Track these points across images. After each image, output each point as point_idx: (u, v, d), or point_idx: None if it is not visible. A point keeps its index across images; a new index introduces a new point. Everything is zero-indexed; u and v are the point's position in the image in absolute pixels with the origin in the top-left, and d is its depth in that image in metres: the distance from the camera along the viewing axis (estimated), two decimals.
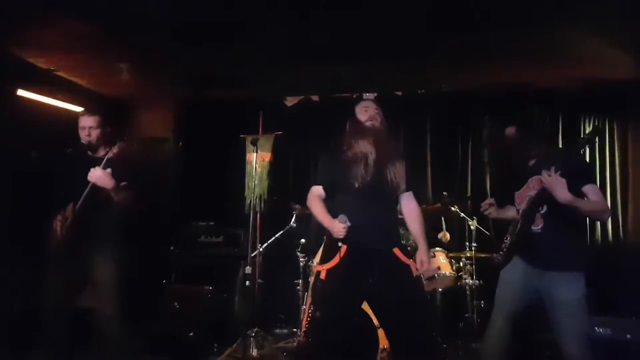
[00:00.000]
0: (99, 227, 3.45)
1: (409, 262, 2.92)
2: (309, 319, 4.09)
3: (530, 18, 3.82)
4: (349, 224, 2.81)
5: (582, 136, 3.53)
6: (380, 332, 3.80)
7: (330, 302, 2.89)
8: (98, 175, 3.26)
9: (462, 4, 3.66)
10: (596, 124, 5.35)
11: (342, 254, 2.85)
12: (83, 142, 3.52)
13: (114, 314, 3.40)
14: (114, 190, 3.32)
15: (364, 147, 2.92)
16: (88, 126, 3.52)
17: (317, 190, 3.08)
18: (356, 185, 2.88)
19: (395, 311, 2.84)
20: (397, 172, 2.94)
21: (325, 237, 3.09)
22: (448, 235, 4.88)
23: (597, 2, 3.56)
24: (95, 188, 3.31)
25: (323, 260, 2.96)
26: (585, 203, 2.84)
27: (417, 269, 2.92)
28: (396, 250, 2.91)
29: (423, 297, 3.39)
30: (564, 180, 2.72)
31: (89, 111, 3.56)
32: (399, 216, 3.11)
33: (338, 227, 2.81)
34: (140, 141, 5.55)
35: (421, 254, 2.96)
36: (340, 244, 2.85)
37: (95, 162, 3.40)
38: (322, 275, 2.90)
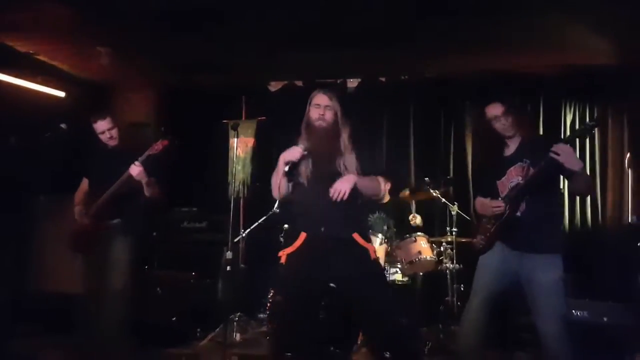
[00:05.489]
0: (124, 213, 3.64)
1: (368, 245, 2.96)
2: (270, 303, 4.17)
3: (512, 3, 3.83)
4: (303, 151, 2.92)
5: (583, 125, 3.60)
6: None
7: (290, 286, 2.98)
8: (139, 171, 3.46)
9: None
10: (586, 112, 5.40)
11: (301, 240, 2.94)
12: (108, 145, 3.68)
13: (121, 299, 3.60)
14: (147, 185, 3.53)
15: (313, 144, 2.96)
16: (107, 128, 3.63)
17: None
18: (309, 177, 2.96)
19: (356, 295, 2.91)
20: (348, 163, 2.96)
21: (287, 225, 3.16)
22: (418, 218, 4.92)
23: None
24: (128, 180, 3.49)
25: (284, 246, 3.06)
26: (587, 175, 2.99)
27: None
28: (355, 235, 2.94)
29: (383, 278, 3.46)
30: (572, 149, 2.78)
31: (99, 116, 3.65)
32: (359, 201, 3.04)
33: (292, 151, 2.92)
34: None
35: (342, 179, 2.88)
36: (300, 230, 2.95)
37: (115, 154, 3.65)
38: (283, 260, 2.98)
